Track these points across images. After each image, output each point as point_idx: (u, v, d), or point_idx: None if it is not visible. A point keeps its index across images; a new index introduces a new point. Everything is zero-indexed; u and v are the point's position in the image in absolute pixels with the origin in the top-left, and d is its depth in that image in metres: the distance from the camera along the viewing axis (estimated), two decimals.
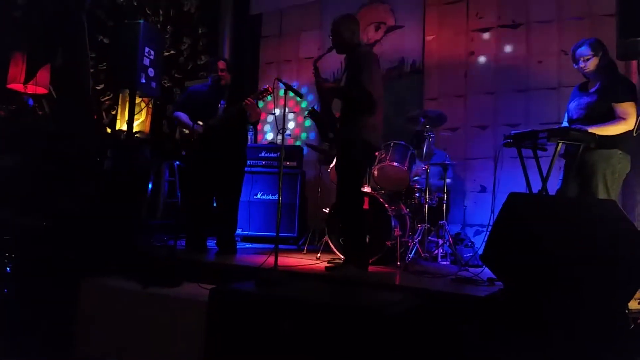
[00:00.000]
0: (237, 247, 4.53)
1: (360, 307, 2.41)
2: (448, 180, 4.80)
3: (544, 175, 3.34)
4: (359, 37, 3.79)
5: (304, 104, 6.41)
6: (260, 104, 4.38)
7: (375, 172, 4.57)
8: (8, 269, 3.72)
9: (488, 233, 2.94)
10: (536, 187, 3.43)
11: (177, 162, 5.59)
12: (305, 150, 5.91)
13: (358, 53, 3.71)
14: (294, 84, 6.18)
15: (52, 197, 4.45)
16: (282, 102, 3.86)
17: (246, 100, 4.17)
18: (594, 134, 3.29)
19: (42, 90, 5.33)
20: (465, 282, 3.28)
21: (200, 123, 4.24)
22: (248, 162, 4.78)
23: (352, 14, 3.94)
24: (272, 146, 5.89)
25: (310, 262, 4.02)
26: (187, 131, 4.33)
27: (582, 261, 2.43)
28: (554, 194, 3.58)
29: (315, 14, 6.61)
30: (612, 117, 3.36)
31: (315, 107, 3.72)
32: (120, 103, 6.54)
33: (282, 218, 3.50)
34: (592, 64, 3.51)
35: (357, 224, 3.61)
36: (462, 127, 5.64)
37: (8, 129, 5.01)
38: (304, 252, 4.78)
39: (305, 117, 3.78)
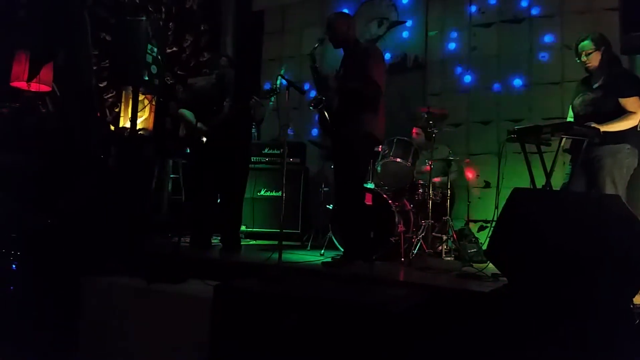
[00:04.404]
0: (241, 243, 4.54)
1: (365, 304, 2.42)
2: (451, 176, 4.80)
3: (548, 170, 3.34)
4: (354, 31, 3.84)
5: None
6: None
7: (379, 168, 4.57)
8: (14, 266, 3.74)
9: (492, 229, 2.94)
10: (540, 182, 3.43)
11: (181, 159, 5.59)
12: (309, 146, 5.90)
13: (361, 46, 3.77)
14: (305, 84, 6.18)
15: (56, 194, 4.46)
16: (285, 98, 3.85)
17: (253, 99, 4.16)
18: (597, 129, 3.28)
19: (45, 88, 5.33)
20: (470, 277, 3.28)
21: (200, 124, 4.22)
22: (252, 158, 4.78)
23: (346, 13, 4.01)
24: (275, 143, 5.89)
25: (314, 258, 4.03)
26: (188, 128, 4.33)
27: (586, 256, 2.43)
28: (558, 189, 3.57)
29: (317, 10, 6.60)
30: (619, 112, 3.35)
31: (323, 98, 3.71)
32: (123, 100, 6.53)
33: (286, 214, 3.52)
34: (594, 59, 3.50)
35: (361, 219, 3.63)
36: (465, 122, 5.63)
37: (12, 126, 5.02)
38: (308, 248, 4.79)
39: (310, 107, 3.76)
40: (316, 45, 3.78)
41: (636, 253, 2.54)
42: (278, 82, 3.87)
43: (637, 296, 2.73)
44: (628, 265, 2.52)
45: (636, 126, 3.32)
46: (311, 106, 3.71)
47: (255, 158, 5.64)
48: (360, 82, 3.58)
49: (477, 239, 4.59)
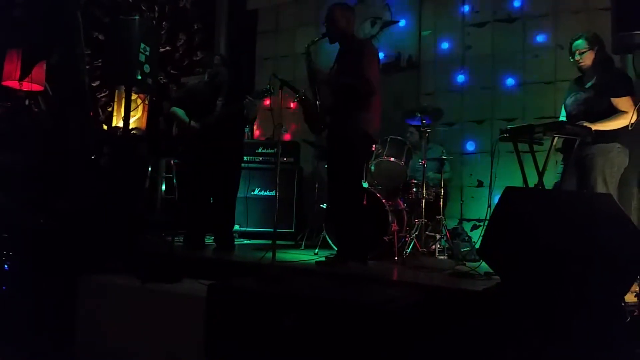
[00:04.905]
0: (235, 243, 4.53)
1: (360, 303, 2.42)
2: (445, 175, 4.82)
3: (540, 169, 3.36)
4: (353, 26, 3.80)
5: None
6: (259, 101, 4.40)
7: (373, 168, 4.57)
8: (6, 266, 3.72)
9: (485, 227, 2.95)
10: (533, 181, 3.44)
11: (174, 159, 5.57)
12: (303, 146, 5.90)
13: (357, 42, 3.74)
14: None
15: (49, 194, 4.45)
16: (278, 98, 3.85)
17: (247, 98, 4.15)
18: (589, 128, 3.30)
19: (37, 88, 5.31)
20: (463, 276, 3.29)
21: (193, 123, 4.21)
22: (245, 158, 4.79)
23: (348, 4, 3.94)
24: (268, 142, 5.88)
25: (308, 257, 4.03)
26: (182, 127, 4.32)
27: (578, 255, 2.45)
28: (550, 188, 3.59)
29: (311, 9, 6.59)
30: (610, 112, 3.38)
31: (302, 91, 3.73)
32: (116, 100, 6.52)
33: (280, 214, 3.52)
34: (588, 58, 3.52)
35: (358, 218, 3.63)
36: (459, 121, 5.65)
37: (3, 126, 5.00)
38: (302, 247, 4.78)
39: (295, 100, 3.80)
40: (316, 39, 3.75)
41: (627, 251, 2.55)
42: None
43: (628, 294, 2.75)
44: (619, 264, 2.53)
45: (627, 125, 3.35)
46: (295, 99, 3.73)
47: (249, 157, 5.63)
48: (354, 80, 3.56)
49: (470, 237, 4.61)
